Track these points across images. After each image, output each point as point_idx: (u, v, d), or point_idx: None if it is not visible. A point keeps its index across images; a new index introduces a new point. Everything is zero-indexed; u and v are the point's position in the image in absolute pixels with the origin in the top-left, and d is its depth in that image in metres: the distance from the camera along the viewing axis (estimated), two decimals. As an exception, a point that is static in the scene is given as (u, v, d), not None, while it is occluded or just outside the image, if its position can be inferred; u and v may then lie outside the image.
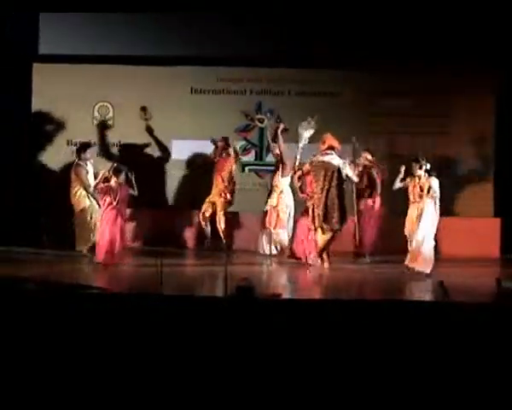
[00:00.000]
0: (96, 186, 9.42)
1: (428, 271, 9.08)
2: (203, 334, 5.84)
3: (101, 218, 9.29)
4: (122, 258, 9.30)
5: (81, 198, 10.00)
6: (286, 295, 7.61)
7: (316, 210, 9.27)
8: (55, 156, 11.46)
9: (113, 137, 11.51)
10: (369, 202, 10.16)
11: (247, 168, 11.50)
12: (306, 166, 9.50)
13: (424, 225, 9.14)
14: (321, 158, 9.38)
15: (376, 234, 10.17)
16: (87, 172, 10.04)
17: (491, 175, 11.40)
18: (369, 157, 10.27)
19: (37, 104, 11.35)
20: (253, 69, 11.42)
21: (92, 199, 9.94)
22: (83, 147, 10.26)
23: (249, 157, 11.54)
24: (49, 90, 11.28)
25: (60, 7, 10.98)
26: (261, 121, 11.49)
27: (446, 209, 10.40)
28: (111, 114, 11.49)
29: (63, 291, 6.85)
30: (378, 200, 10.23)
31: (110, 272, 9.00)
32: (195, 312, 6.19)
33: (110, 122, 11.51)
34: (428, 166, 9.33)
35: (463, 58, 10.97)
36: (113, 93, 11.41)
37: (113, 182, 9.22)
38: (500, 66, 11.13)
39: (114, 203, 9.15)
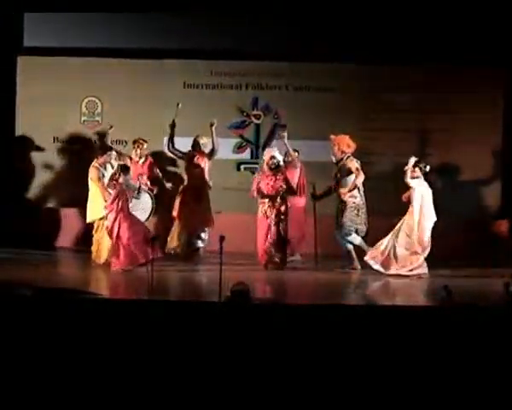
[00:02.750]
0: (108, 185, 9.23)
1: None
2: (197, 340, 5.80)
3: (117, 219, 8.92)
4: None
5: (94, 207, 9.43)
6: (282, 300, 7.57)
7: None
8: (41, 153, 11.23)
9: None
10: (295, 200, 10.11)
11: (242, 167, 11.30)
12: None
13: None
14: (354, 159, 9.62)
15: (303, 232, 10.14)
16: (103, 176, 9.46)
17: (498, 175, 11.22)
18: (295, 154, 10.26)
19: (22, 99, 11.14)
20: (249, 63, 11.23)
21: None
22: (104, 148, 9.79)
23: (245, 155, 11.34)
24: (35, 84, 11.08)
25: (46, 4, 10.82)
26: (257, 118, 11.29)
27: (451, 210, 10.30)
28: (99, 110, 11.27)
29: (54, 296, 6.74)
30: (302, 199, 10.22)
31: (103, 276, 8.86)
32: (189, 317, 6.13)
33: (98, 118, 11.26)
34: (428, 168, 9.32)
35: (470, 54, 10.79)
36: (102, 88, 11.22)
37: (121, 180, 9.06)
38: (508, 64, 10.94)
39: (128, 202, 9.05)
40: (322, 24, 10.83)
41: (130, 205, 9.18)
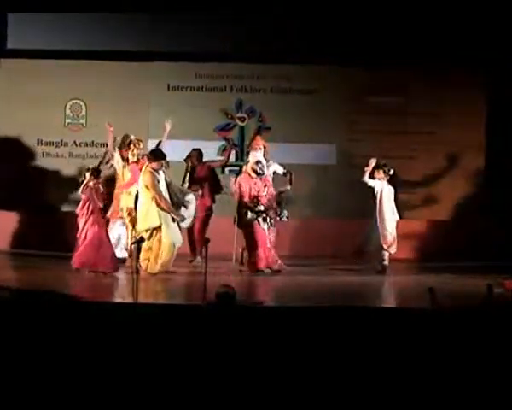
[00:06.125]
0: (82, 192, 8.90)
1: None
2: (182, 343, 5.68)
3: (87, 223, 8.79)
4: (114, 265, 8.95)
5: (150, 214, 8.78)
6: (268, 303, 7.51)
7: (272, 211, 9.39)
8: (24, 156, 11.14)
9: (86, 137, 11.21)
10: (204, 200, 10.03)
11: (227, 170, 11.18)
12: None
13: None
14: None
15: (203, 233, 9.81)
16: (158, 182, 8.86)
17: (482, 174, 11.19)
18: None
19: (5, 101, 11.06)
20: (234, 65, 11.19)
21: (162, 218, 8.82)
22: (159, 156, 8.99)
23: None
24: (19, 86, 11.01)
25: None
26: (242, 120, 11.24)
27: (434, 211, 10.21)
28: (84, 112, 11.21)
29: (35, 299, 6.52)
30: (207, 199, 10.07)
31: (86, 279, 8.76)
32: (174, 320, 6.02)
33: (83, 121, 11.21)
34: (391, 172, 9.51)
35: (453, 57, 10.79)
36: (86, 90, 11.12)
37: (91, 184, 8.84)
38: (491, 66, 10.95)
39: (100, 205, 8.86)
40: (307, 26, 10.79)
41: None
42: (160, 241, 8.85)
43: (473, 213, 11.08)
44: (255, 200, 9.32)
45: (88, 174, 8.90)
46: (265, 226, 9.33)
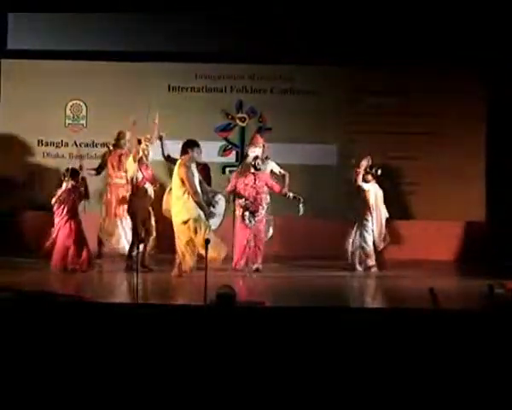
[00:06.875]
0: (58, 197, 9.01)
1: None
2: (183, 344, 5.74)
3: (59, 224, 8.98)
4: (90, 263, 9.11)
5: (187, 205, 8.75)
6: (268, 303, 7.41)
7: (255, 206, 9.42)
8: (25, 157, 11.18)
9: (86, 138, 11.23)
10: None
11: (227, 170, 11.18)
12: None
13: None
14: None
15: None
16: (193, 176, 8.80)
17: (482, 177, 11.19)
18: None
19: (5, 102, 11.11)
20: (234, 66, 11.21)
21: (199, 210, 8.77)
22: (190, 144, 8.94)
23: (230, 158, 11.31)
24: (19, 87, 11.04)
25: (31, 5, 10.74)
26: (242, 121, 11.24)
27: (435, 212, 10.31)
28: (84, 113, 11.24)
29: (36, 300, 6.62)
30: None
31: (84, 279, 8.80)
32: (175, 321, 6.05)
33: (83, 121, 11.23)
34: (379, 172, 9.75)
35: (453, 57, 10.81)
36: (87, 91, 11.16)
37: (70, 186, 9.01)
38: (491, 66, 10.96)
39: (77, 205, 9.05)
40: (307, 26, 10.80)
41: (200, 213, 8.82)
42: (196, 233, 8.79)
43: (473, 215, 11.08)
44: (240, 193, 9.36)
45: (67, 175, 9.04)
46: (250, 224, 9.32)
